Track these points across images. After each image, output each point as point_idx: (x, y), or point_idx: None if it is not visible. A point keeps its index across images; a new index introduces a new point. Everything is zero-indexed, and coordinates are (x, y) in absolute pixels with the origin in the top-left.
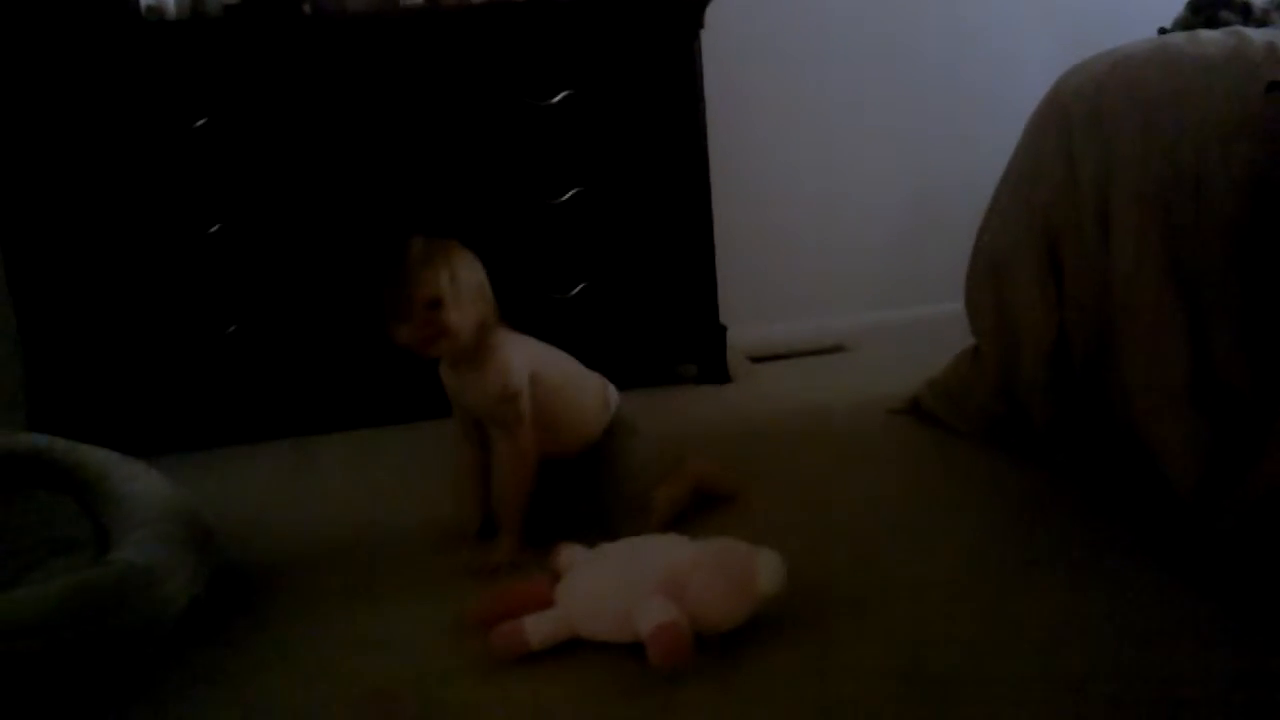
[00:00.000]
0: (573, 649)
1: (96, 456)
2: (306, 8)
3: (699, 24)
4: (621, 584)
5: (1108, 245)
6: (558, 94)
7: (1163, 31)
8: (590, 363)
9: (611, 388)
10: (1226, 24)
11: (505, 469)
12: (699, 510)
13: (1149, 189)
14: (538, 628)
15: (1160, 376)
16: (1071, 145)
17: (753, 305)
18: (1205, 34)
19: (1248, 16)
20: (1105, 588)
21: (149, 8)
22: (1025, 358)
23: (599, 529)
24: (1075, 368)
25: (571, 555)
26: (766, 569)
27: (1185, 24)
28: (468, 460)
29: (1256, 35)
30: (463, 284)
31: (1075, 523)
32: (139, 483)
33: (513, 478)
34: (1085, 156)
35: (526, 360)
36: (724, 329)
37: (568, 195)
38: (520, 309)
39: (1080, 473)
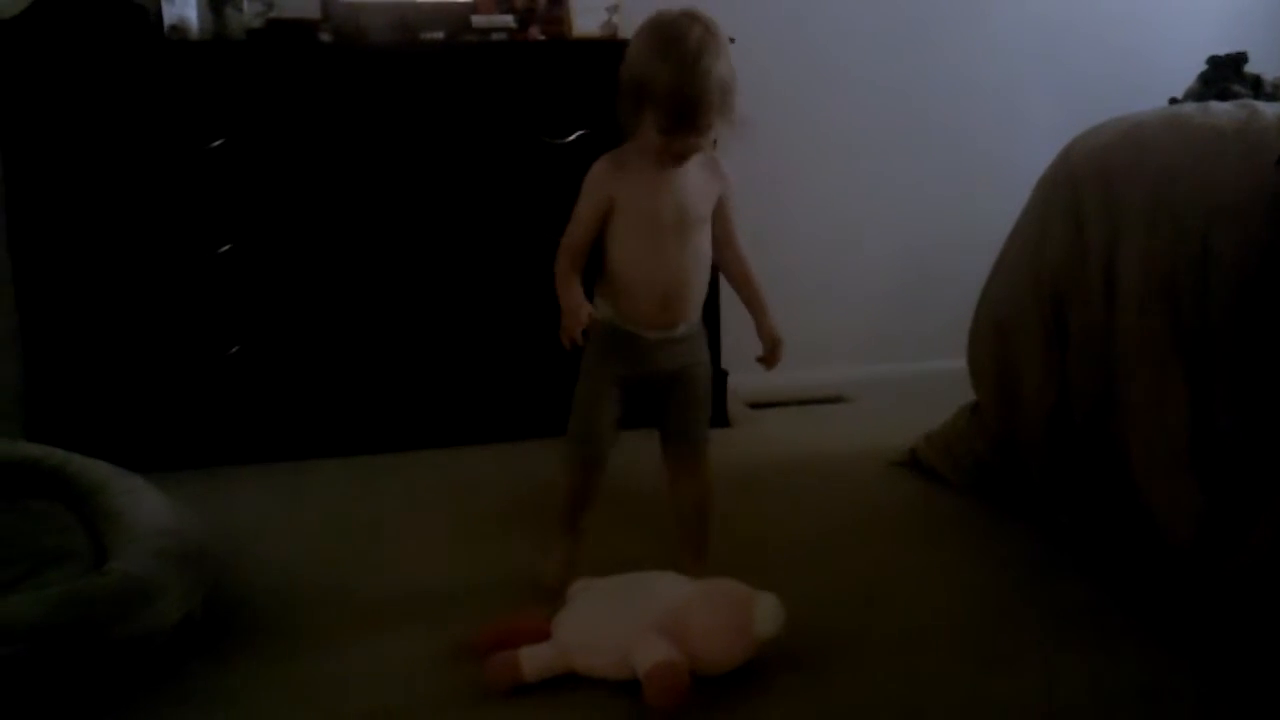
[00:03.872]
0: (568, 683)
1: (94, 468)
2: (326, 36)
3: None
4: (620, 620)
5: (1113, 308)
6: (573, 133)
7: (1173, 102)
8: None
9: None
10: (1237, 97)
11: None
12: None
13: (1155, 255)
14: (533, 659)
15: (1161, 438)
16: (1080, 209)
17: (754, 352)
18: (1216, 106)
19: (1258, 91)
20: (1094, 644)
21: (172, 27)
22: (1026, 416)
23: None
24: (1076, 426)
25: (570, 587)
26: (765, 612)
27: (1196, 95)
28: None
29: (1267, 109)
30: (729, 94)
31: (1068, 578)
32: (136, 497)
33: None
34: (1093, 220)
35: None
36: (724, 374)
37: None
38: (529, 336)
39: (1075, 529)
